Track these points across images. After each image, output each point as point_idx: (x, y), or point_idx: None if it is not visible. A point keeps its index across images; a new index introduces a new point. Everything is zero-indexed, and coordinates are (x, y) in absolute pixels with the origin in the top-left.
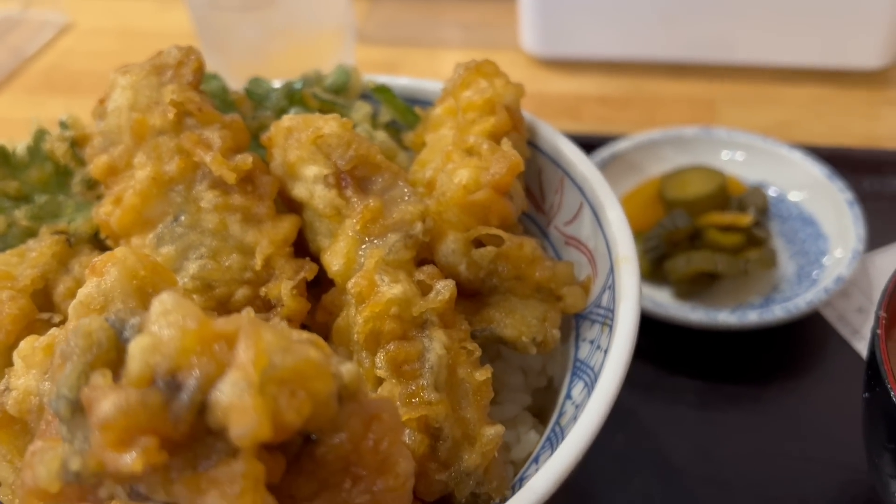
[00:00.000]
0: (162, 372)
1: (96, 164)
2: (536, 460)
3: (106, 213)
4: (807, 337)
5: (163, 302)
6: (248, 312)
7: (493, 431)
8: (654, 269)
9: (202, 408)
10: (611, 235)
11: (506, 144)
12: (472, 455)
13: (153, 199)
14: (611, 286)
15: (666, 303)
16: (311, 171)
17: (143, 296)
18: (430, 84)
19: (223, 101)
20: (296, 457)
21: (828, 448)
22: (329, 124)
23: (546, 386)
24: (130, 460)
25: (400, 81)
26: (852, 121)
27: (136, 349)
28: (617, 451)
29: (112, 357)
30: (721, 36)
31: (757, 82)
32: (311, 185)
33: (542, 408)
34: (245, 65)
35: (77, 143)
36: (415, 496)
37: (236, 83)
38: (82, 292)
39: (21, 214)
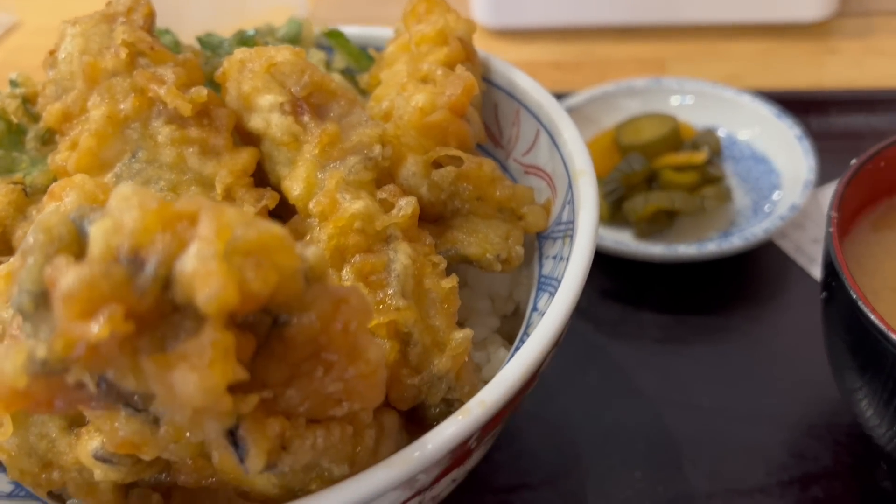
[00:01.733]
0: (124, 251)
1: (49, 112)
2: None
3: (62, 158)
4: (766, 268)
5: (121, 190)
6: (198, 193)
7: (461, 335)
8: (613, 212)
9: (167, 283)
10: (567, 154)
11: (460, 69)
12: (443, 359)
13: (109, 138)
14: (570, 201)
15: (628, 242)
16: (267, 100)
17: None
18: (380, 30)
19: (176, 53)
20: (266, 339)
21: (793, 368)
22: (282, 53)
23: (513, 312)
24: (97, 328)
25: (351, 30)
26: (798, 71)
27: (98, 231)
28: (590, 384)
29: (73, 250)
30: None
31: (704, 40)
32: (268, 114)
33: (511, 333)
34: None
35: (28, 100)
36: (388, 404)
37: None
38: (41, 217)
39: None
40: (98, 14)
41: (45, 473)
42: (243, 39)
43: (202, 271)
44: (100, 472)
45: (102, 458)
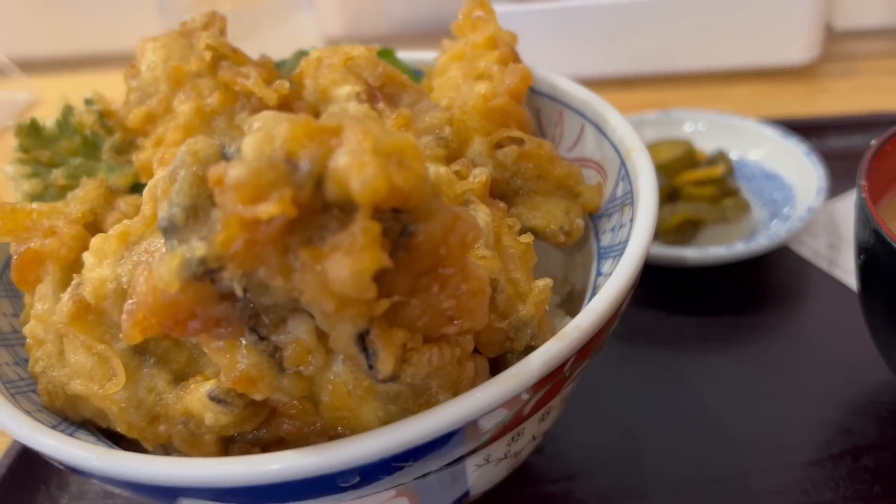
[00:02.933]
0: (278, 157)
1: (135, 115)
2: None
3: (147, 156)
4: (788, 271)
5: (265, 115)
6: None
7: (542, 283)
8: None
9: (320, 182)
10: (617, 138)
11: (512, 64)
12: (527, 306)
13: (196, 131)
14: (623, 177)
15: (659, 250)
16: (345, 90)
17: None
18: (428, 55)
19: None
20: (395, 247)
21: (828, 356)
22: (357, 48)
23: (568, 295)
24: (270, 208)
25: (401, 54)
26: (792, 109)
27: (250, 142)
28: (631, 382)
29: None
30: (664, 48)
31: (701, 86)
32: (345, 103)
33: (570, 310)
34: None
35: (104, 115)
36: (477, 350)
37: None
38: (154, 179)
39: (59, 173)
40: (175, 31)
41: (151, 427)
42: (302, 55)
43: (357, 163)
44: (211, 416)
45: (217, 399)
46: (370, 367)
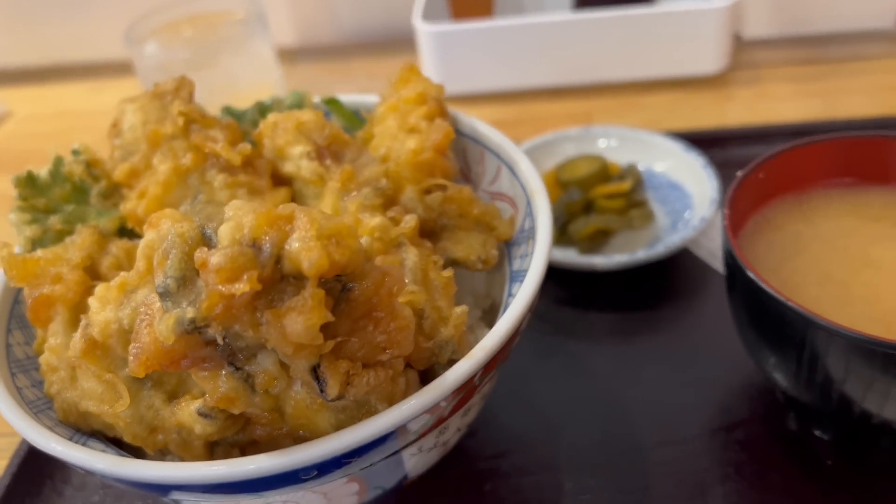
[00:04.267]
0: (246, 241)
1: (120, 170)
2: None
3: (132, 206)
4: (687, 271)
5: (234, 204)
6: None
7: (460, 310)
8: (560, 235)
9: (278, 259)
10: (524, 179)
11: (438, 121)
12: (448, 329)
13: (173, 186)
14: (529, 213)
15: (573, 257)
16: (297, 149)
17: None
18: (368, 97)
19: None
20: (337, 301)
21: (715, 346)
22: (306, 114)
23: (490, 307)
24: (241, 287)
25: (344, 97)
26: (702, 115)
27: (224, 230)
28: (552, 372)
29: (201, 247)
30: (589, 62)
31: (624, 95)
32: (298, 160)
33: (490, 323)
34: None
35: (90, 165)
36: (409, 365)
37: None
38: (146, 238)
39: (55, 220)
40: (149, 93)
41: (151, 436)
42: (262, 109)
43: (305, 247)
44: (199, 427)
45: (203, 414)
46: (321, 390)
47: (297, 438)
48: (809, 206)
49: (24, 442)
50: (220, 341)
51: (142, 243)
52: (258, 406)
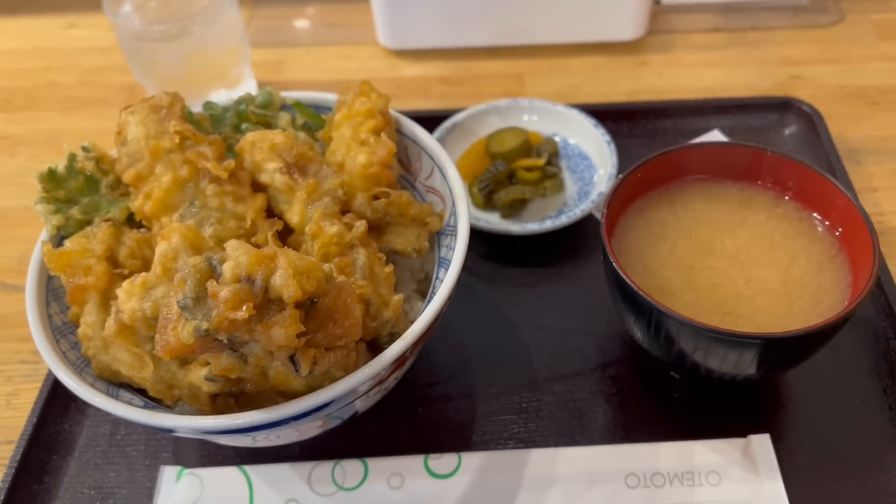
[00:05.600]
0: (243, 276)
1: (128, 174)
2: (425, 309)
3: (139, 204)
4: (587, 233)
5: (232, 244)
6: (272, 245)
7: (397, 298)
8: (486, 201)
9: (266, 289)
10: (451, 184)
11: (384, 136)
12: (388, 311)
13: (174, 193)
14: (454, 212)
15: (496, 222)
16: (271, 165)
17: (193, 249)
18: (327, 95)
19: (190, 121)
20: (307, 311)
21: (601, 299)
22: (278, 136)
23: (424, 278)
24: (243, 314)
25: (306, 96)
26: (619, 80)
27: (228, 267)
28: (473, 317)
29: (209, 275)
30: (523, 24)
31: (552, 57)
32: (272, 174)
33: (424, 290)
34: (168, 78)
35: (98, 160)
36: (359, 339)
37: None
38: (160, 249)
39: (76, 211)
40: (147, 105)
41: (169, 392)
42: (238, 112)
43: (285, 283)
44: (206, 387)
45: (209, 379)
46: (296, 370)
47: (278, 392)
48: (672, 197)
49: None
50: (224, 341)
51: (158, 252)
52: (249, 373)
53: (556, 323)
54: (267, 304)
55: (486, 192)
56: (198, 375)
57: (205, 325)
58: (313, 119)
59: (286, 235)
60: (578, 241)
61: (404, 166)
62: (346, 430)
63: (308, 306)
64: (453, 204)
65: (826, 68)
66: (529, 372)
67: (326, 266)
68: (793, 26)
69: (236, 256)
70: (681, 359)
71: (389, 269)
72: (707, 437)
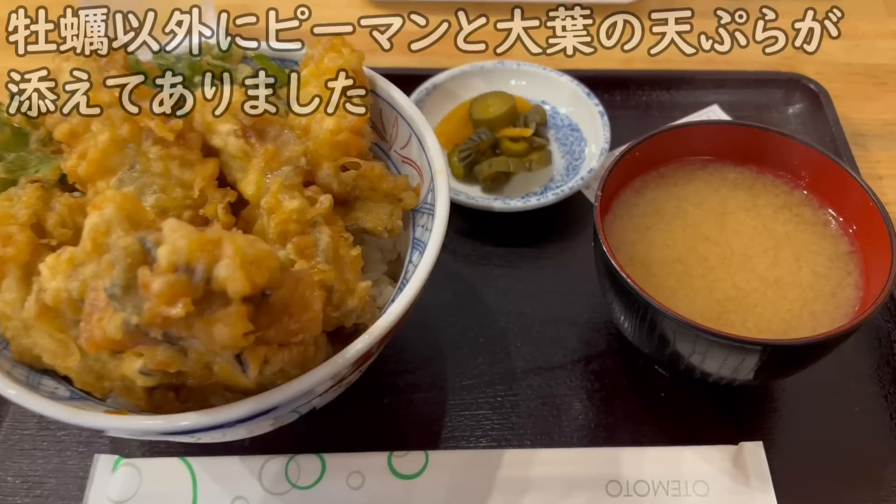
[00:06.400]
0: (181, 264)
1: (60, 129)
2: (393, 301)
3: (72, 165)
4: (574, 211)
5: (170, 224)
6: (218, 226)
7: (364, 284)
8: (467, 172)
9: (208, 280)
10: (430, 156)
11: (356, 99)
12: (353, 300)
13: (112, 153)
14: (432, 189)
15: (477, 196)
16: (224, 127)
17: (130, 221)
18: (292, 46)
19: (137, 71)
20: (258, 305)
21: (586, 285)
22: (234, 96)
23: (396, 259)
24: (178, 310)
25: (271, 46)
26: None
27: (164, 252)
28: (448, 300)
29: (141, 259)
30: None
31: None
32: (225, 136)
33: (395, 273)
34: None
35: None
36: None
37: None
38: (90, 221)
39: (0, 168)
40: (83, 58)
41: (98, 383)
42: (191, 64)
43: (230, 276)
44: (140, 381)
45: (144, 372)
46: (244, 371)
47: (224, 387)
48: (671, 179)
49: None
50: (159, 337)
51: (87, 224)
52: (190, 367)
53: (538, 310)
54: (209, 297)
55: (468, 163)
56: (131, 367)
57: (134, 320)
58: (277, 74)
59: (240, 208)
60: (565, 220)
61: (378, 133)
62: (302, 423)
63: (259, 300)
64: (432, 179)
65: (832, 43)
66: (506, 363)
67: (282, 252)
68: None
69: (174, 240)
70: (674, 360)
71: (357, 251)
72: (696, 443)
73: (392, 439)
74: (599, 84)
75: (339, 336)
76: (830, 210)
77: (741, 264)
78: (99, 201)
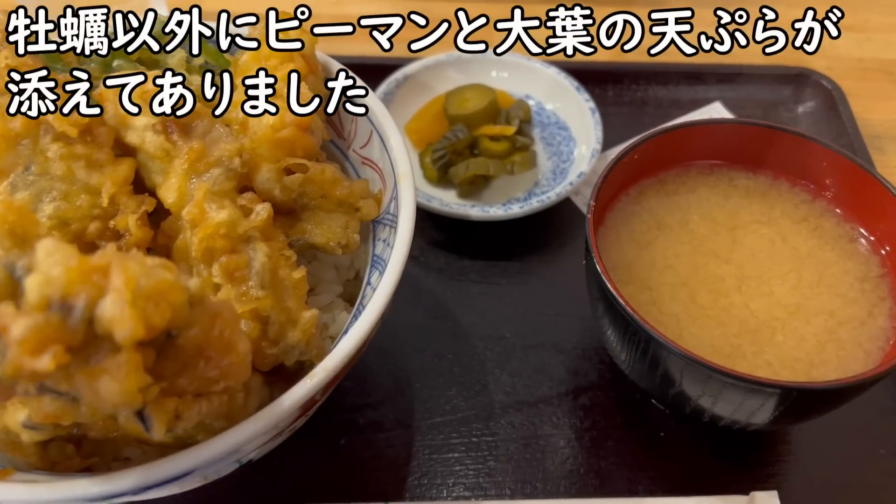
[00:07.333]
0: (56, 299)
1: None
2: (346, 332)
3: None
4: (561, 219)
5: (45, 246)
6: (112, 248)
7: (309, 314)
8: (441, 175)
9: (90, 320)
10: (394, 158)
11: (304, 87)
12: (295, 333)
13: (2, 153)
14: (395, 197)
15: (451, 202)
16: (141, 121)
17: (13, 237)
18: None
19: (50, 57)
20: (162, 348)
21: (574, 305)
22: (150, 81)
23: (354, 277)
24: (45, 363)
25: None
26: None
27: (33, 284)
28: (417, 322)
29: (8, 291)
30: None
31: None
32: (142, 132)
33: (353, 294)
34: None
35: None
36: (254, 368)
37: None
38: None
39: None
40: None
41: None
42: (104, 63)
43: (117, 316)
44: (26, 436)
45: (30, 427)
46: (147, 430)
47: (136, 440)
48: (672, 187)
49: None
50: (31, 391)
51: None
52: (88, 417)
53: (520, 333)
54: (93, 341)
55: (442, 165)
56: (14, 419)
57: None
58: (216, 59)
59: (160, 218)
60: (551, 230)
61: (334, 129)
62: (242, 472)
63: (162, 342)
64: (395, 185)
65: (843, 37)
66: (483, 396)
67: (192, 282)
68: None
69: (48, 267)
70: (680, 401)
71: (300, 273)
72: (701, 493)
73: (350, 488)
74: (590, 77)
75: (281, 373)
76: (860, 227)
77: (757, 287)
78: None
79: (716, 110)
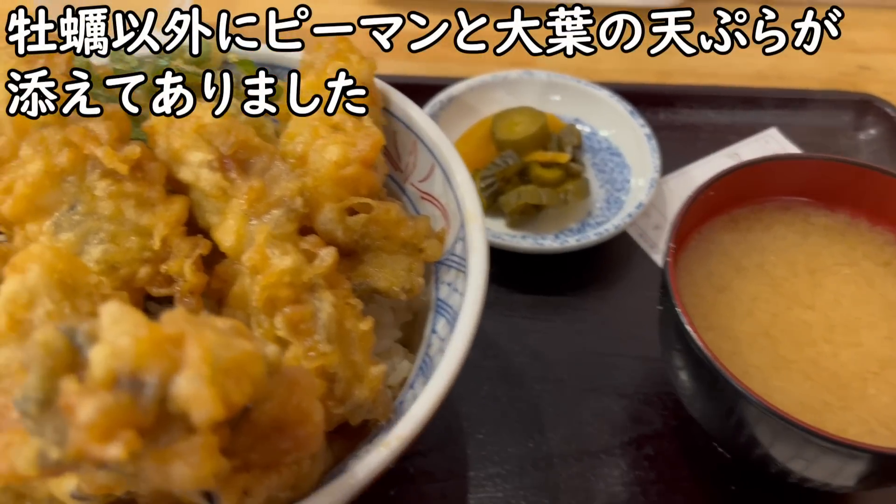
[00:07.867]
0: (124, 374)
1: None
2: (412, 386)
3: None
4: (615, 252)
5: (111, 312)
6: (181, 312)
7: (377, 370)
8: (490, 204)
9: (163, 398)
10: (460, 195)
11: (367, 121)
12: (362, 390)
13: (46, 189)
14: (462, 238)
15: (501, 232)
16: (196, 157)
17: (64, 288)
18: (288, 55)
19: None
20: (236, 424)
21: (634, 345)
22: (208, 115)
23: (412, 320)
24: (116, 451)
25: (261, 52)
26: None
27: (99, 357)
28: (471, 362)
29: (69, 361)
30: None
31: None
32: (197, 168)
33: (410, 338)
34: None
35: None
36: None
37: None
38: (7, 290)
39: None
40: (16, 58)
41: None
42: (157, 69)
43: (196, 395)
44: None
45: (79, 497)
46: None
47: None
48: (745, 224)
49: None
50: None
51: (4, 293)
52: (143, 488)
53: (577, 375)
54: (164, 421)
55: (491, 193)
56: (62, 489)
57: (55, 453)
58: (248, 70)
59: (214, 262)
60: (605, 263)
61: (391, 159)
62: None
63: (237, 419)
64: (462, 224)
65: None
66: (539, 446)
67: (270, 349)
68: (858, 4)
69: (115, 336)
70: (765, 462)
71: (367, 325)
72: None
73: None
74: (641, 99)
75: (342, 430)
76: None
77: (844, 337)
78: (20, 260)
79: (772, 136)
